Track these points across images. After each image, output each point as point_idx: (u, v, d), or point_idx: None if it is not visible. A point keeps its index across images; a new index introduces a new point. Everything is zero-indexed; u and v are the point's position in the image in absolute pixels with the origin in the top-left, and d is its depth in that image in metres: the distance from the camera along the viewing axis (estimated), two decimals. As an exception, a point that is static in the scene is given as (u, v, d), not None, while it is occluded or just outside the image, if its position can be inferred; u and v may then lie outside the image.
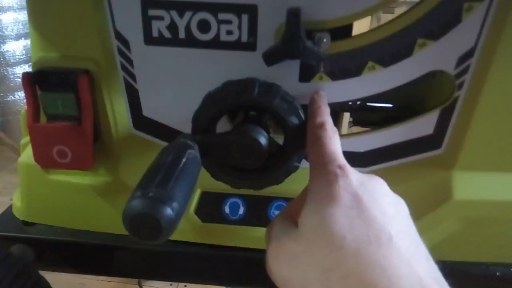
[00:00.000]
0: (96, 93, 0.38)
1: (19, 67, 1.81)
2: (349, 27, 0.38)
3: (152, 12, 0.36)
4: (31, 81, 0.36)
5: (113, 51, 0.38)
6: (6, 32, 1.73)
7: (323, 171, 0.27)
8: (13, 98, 1.84)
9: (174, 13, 0.36)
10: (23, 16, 1.75)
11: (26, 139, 0.44)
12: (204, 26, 0.36)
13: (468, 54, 0.35)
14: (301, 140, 0.33)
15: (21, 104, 1.87)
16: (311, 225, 0.25)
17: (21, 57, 1.81)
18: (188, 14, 0.36)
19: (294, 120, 0.34)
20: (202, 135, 0.33)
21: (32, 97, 0.37)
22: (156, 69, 0.38)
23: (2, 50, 1.75)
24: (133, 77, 0.39)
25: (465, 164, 0.38)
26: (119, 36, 0.37)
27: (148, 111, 0.40)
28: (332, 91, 0.37)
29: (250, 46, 0.37)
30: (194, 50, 0.37)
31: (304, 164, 0.35)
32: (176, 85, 0.38)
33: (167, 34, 0.37)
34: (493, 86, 0.36)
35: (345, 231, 0.23)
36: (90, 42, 0.37)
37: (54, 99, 0.37)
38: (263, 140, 0.33)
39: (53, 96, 0.37)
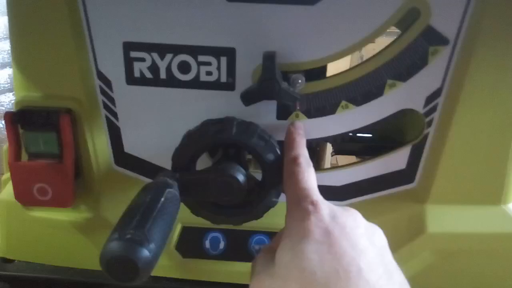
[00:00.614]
0: (78, 131, 0.39)
1: (3, 95, 1.80)
2: (323, 68, 0.40)
3: (134, 54, 0.37)
4: (13, 120, 0.37)
5: (95, 90, 0.39)
6: (-10, 61, 1.73)
7: (297, 208, 0.28)
8: None
9: (155, 55, 0.37)
10: (8, 45, 1.76)
11: (7, 175, 0.44)
12: (184, 67, 0.37)
13: (436, 94, 0.37)
14: (278, 176, 0.34)
15: (4, 133, 1.86)
16: (285, 261, 0.26)
17: (6, 85, 1.81)
18: (169, 56, 0.37)
19: (271, 157, 0.35)
20: (182, 173, 0.34)
21: (14, 136, 0.37)
22: (138, 108, 0.39)
23: (-13, 79, 1.74)
24: (114, 115, 0.40)
25: (437, 197, 0.40)
26: (101, 76, 0.38)
27: (129, 147, 0.41)
28: (308, 128, 0.39)
29: (229, 86, 0.38)
30: (174, 89, 0.38)
31: (283, 199, 0.36)
32: (157, 123, 0.39)
33: (148, 75, 0.38)
34: (460, 123, 0.37)
35: (315, 267, 0.24)
36: (73, 82, 0.38)
37: (36, 138, 0.38)
38: (241, 177, 0.34)
39: (35, 134, 0.38)
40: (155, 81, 0.38)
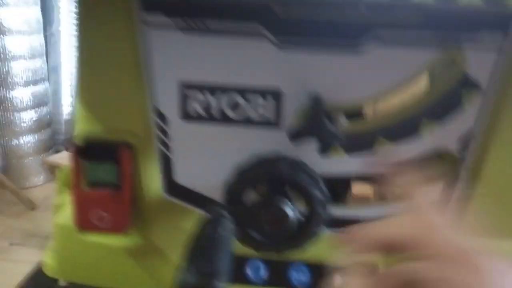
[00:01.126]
0: (133, 162, 0.42)
1: (25, 113, 1.86)
2: (362, 108, 0.43)
3: (189, 92, 0.40)
4: (77, 152, 0.40)
5: (151, 125, 0.42)
6: (15, 79, 1.79)
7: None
8: (17, 142, 1.87)
9: (208, 94, 0.40)
10: (33, 64, 1.82)
11: (59, 199, 0.47)
12: (235, 105, 0.41)
13: (469, 135, 0.40)
14: (323, 211, 0.37)
15: (24, 149, 1.90)
16: None
17: (28, 103, 1.86)
18: (221, 95, 0.40)
19: (317, 193, 0.37)
20: (234, 206, 0.37)
21: (77, 167, 0.40)
22: (190, 142, 0.42)
23: (11, 96, 1.80)
24: (168, 148, 0.43)
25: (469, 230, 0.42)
26: (158, 112, 0.41)
27: (180, 178, 0.44)
28: (346, 164, 0.42)
29: (275, 123, 0.41)
30: (225, 126, 0.41)
31: (323, 231, 0.38)
32: (207, 156, 0.42)
33: (201, 112, 0.41)
34: (493, 163, 0.40)
35: None
36: (132, 117, 0.41)
37: (97, 168, 0.41)
38: (290, 211, 0.36)
39: (96, 165, 0.41)
40: (208, 118, 0.41)
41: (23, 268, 1.43)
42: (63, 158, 1.54)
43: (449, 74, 0.38)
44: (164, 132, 0.42)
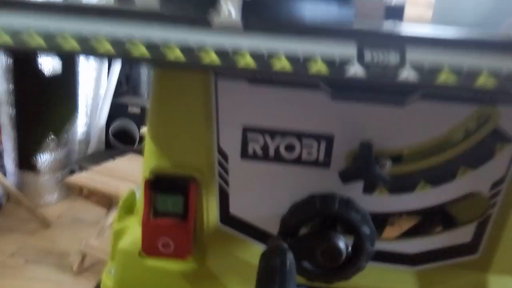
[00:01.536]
0: (197, 195, 0.46)
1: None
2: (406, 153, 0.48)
3: (250, 135, 0.45)
4: (149, 184, 0.45)
5: (214, 162, 0.47)
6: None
7: None
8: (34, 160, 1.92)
9: (267, 137, 0.45)
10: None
11: (120, 225, 0.52)
12: (290, 147, 0.45)
13: (500, 181, 0.45)
14: (370, 246, 0.41)
15: (41, 167, 1.94)
16: None
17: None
18: (278, 138, 0.45)
19: (366, 229, 0.42)
20: (292, 239, 0.41)
21: (148, 197, 0.45)
22: (247, 178, 0.47)
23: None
24: (227, 183, 0.47)
25: (499, 268, 0.46)
26: (221, 151, 0.46)
27: (235, 210, 0.48)
28: (388, 202, 0.46)
29: (325, 164, 0.46)
30: (280, 165, 0.46)
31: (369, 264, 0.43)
32: (262, 191, 0.47)
33: (259, 152, 0.46)
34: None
35: None
36: (198, 155, 0.46)
37: (165, 200, 0.45)
38: (342, 245, 0.41)
39: (165, 197, 0.45)
40: (265, 158, 0.46)
41: (38, 286, 1.45)
42: (81, 177, 1.58)
43: (483, 127, 0.43)
44: (225, 169, 0.47)
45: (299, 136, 0.45)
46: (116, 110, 2.47)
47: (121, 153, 1.94)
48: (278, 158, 0.46)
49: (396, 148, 0.44)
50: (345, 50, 0.25)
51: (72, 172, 2.23)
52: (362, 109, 0.44)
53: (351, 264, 0.42)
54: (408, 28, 0.33)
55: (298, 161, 0.46)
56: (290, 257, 0.37)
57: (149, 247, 0.46)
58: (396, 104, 0.43)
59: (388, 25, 0.33)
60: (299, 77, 0.25)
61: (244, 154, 0.46)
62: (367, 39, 0.25)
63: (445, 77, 0.24)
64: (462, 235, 0.47)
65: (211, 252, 0.48)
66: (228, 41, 0.25)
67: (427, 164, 0.45)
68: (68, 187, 1.72)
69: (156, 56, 0.25)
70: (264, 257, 0.38)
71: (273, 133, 0.45)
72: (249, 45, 0.25)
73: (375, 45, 0.25)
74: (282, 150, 0.46)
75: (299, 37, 0.25)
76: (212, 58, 0.25)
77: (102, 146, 2.35)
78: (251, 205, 0.48)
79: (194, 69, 0.30)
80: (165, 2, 0.32)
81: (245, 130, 0.45)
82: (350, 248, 0.42)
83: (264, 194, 0.47)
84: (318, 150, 0.45)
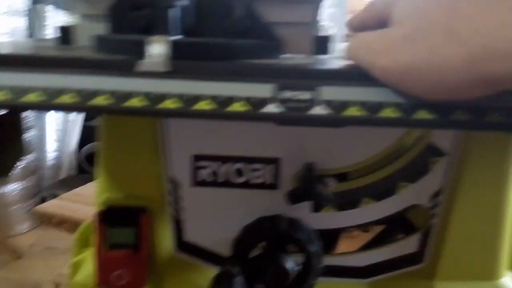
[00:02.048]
0: (150, 225, 0.47)
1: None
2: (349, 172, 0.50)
3: (199, 163, 0.47)
4: (100, 217, 0.45)
5: (165, 191, 0.48)
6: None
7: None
8: (3, 190, 1.88)
9: (216, 164, 0.47)
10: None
11: (78, 258, 0.52)
12: (239, 172, 0.47)
13: (438, 193, 0.47)
14: (318, 263, 0.43)
15: (10, 197, 1.90)
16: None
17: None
18: (227, 164, 0.47)
19: (312, 248, 0.44)
20: (242, 262, 0.43)
21: (101, 232, 0.45)
22: (200, 204, 0.48)
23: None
24: (180, 211, 0.48)
25: (444, 275, 0.49)
26: (172, 180, 0.47)
27: (189, 236, 0.49)
28: (336, 219, 0.48)
29: (274, 187, 0.47)
30: (230, 190, 0.47)
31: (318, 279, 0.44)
32: (215, 216, 0.48)
33: (209, 178, 0.47)
34: (459, 215, 0.47)
35: None
36: (149, 185, 0.47)
37: (118, 232, 0.46)
38: (289, 265, 0.42)
39: (117, 229, 0.46)
40: (215, 183, 0.47)
41: (11, 320, 1.41)
42: (51, 206, 1.56)
43: (418, 143, 0.46)
44: (177, 197, 0.48)
45: (247, 160, 0.47)
46: (88, 134, 2.44)
47: (94, 177, 1.92)
48: (228, 183, 0.47)
49: (339, 167, 0.47)
50: (263, 90, 0.27)
51: (43, 199, 2.19)
52: (304, 132, 0.46)
53: (300, 282, 0.44)
54: (329, 61, 0.35)
55: (247, 184, 0.47)
56: (238, 281, 0.39)
57: (104, 280, 0.46)
58: (334, 126, 0.45)
59: (309, 60, 0.35)
60: (219, 118, 0.27)
61: (195, 181, 0.47)
62: (283, 80, 0.27)
63: (353, 111, 0.26)
64: (408, 245, 0.50)
65: (167, 280, 0.49)
66: (152, 86, 0.27)
67: (369, 181, 0.47)
68: (38, 216, 1.69)
69: (79, 103, 0.26)
70: (212, 284, 0.39)
71: (222, 159, 0.47)
72: (172, 89, 0.27)
73: (290, 86, 0.27)
74: (231, 175, 0.47)
75: (220, 79, 0.27)
76: (135, 103, 0.26)
77: (74, 171, 2.32)
78: (205, 231, 0.49)
79: (118, 114, 0.32)
80: (98, 45, 0.34)
81: (195, 158, 0.47)
82: (300, 267, 0.44)
83: (217, 218, 0.48)
84: (266, 173, 0.47)
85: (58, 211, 1.47)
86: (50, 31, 2.00)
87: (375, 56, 0.25)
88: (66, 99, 0.26)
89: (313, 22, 0.37)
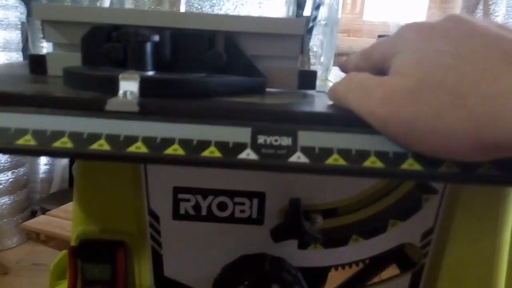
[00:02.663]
0: (127, 260, 0.45)
1: (2, 174, 1.84)
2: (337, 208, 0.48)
3: (181, 195, 0.45)
4: (74, 252, 0.43)
5: (145, 224, 0.45)
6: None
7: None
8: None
9: (199, 197, 0.45)
10: None
11: (52, 292, 0.49)
12: (222, 206, 0.45)
13: (429, 231, 0.45)
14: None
15: (-1, 210, 1.87)
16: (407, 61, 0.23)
17: (6, 164, 1.85)
18: (210, 198, 0.45)
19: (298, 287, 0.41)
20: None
21: (73, 267, 0.43)
22: (181, 239, 0.46)
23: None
24: (159, 245, 0.46)
25: (435, 318, 0.46)
26: (151, 213, 0.45)
27: (170, 272, 0.47)
28: (323, 257, 0.46)
29: (259, 221, 0.45)
30: (212, 224, 0.45)
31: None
32: (196, 252, 0.46)
33: (191, 212, 0.45)
34: (452, 253, 0.45)
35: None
36: (128, 218, 0.45)
37: (93, 268, 0.44)
38: (273, 308, 0.40)
39: (92, 265, 0.44)
40: (197, 217, 0.45)
41: None
42: (38, 222, 1.52)
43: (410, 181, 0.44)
44: (157, 230, 0.46)
45: (231, 194, 0.45)
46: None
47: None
48: (210, 217, 0.45)
49: (326, 203, 0.45)
50: (238, 134, 0.25)
51: (33, 213, 2.15)
52: (291, 166, 0.44)
53: (285, 325, 0.42)
54: (312, 101, 0.33)
55: (231, 219, 0.45)
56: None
57: (77, 318, 0.43)
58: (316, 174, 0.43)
59: (291, 99, 0.33)
60: (191, 165, 0.25)
61: (176, 214, 0.45)
62: (260, 123, 0.25)
63: (334, 159, 0.24)
64: (398, 285, 0.47)
65: (146, 317, 0.47)
66: (121, 127, 0.25)
67: (358, 218, 0.45)
68: (26, 233, 1.65)
69: (36, 147, 0.24)
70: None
71: (204, 193, 0.45)
72: (142, 131, 0.25)
73: (268, 130, 0.25)
74: (214, 209, 0.45)
75: (193, 122, 0.25)
76: (100, 147, 0.24)
77: (65, 185, 2.29)
78: (186, 267, 0.47)
79: (82, 159, 0.30)
80: (67, 79, 0.32)
81: (176, 191, 0.45)
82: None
83: (199, 254, 0.46)
84: (251, 208, 0.45)
85: (46, 227, 1.43)
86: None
87: (373, 102, 0.24)
88: (21, 141, 0.24)
89: (297, 56, 0.35)
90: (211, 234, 0.46)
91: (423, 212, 0.44)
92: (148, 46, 0.29)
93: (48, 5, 0.33)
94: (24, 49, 1.92)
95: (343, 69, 0.34)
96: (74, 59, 0.34)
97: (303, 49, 0.34)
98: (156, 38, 0.29)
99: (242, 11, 1.96)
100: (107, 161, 0.37)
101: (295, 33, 0.34)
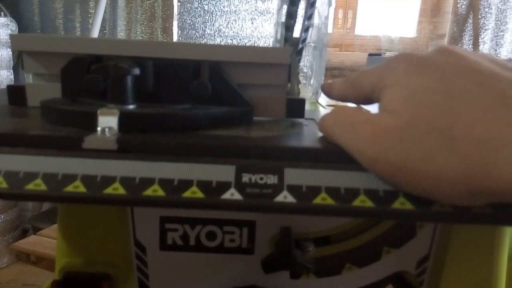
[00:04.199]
0: (113, 293, 0.43)
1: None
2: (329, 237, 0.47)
3: (168, 225, 0.43)
4: (57, 286, 0.41)
5: (131, 256, 0.44)
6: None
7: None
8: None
9: (187, 226, 0.43)
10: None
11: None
12: (211, 235, 0.43)
13: (425, 259, 0.44)
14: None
15: None
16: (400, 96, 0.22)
17: None
18: (198, 227, 0.43)
19: (289, 323, 0.40)
20: None
21: (57, 302, 0.41)
22: (168, 270, 0.44)
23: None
24: (146, 276, 0.44)
25: None
26: (138, 244, 0.44)
27: (157, 305, 0.45)
28: (317, 286, 0.44)
29: (249, 251, 0.44)
30: (201, 254, 0.44)
31: None
32: (185, 284, 0.44)
33: (179, 242, 0.44)
34: (448, 281, 0.44)
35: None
36: (113, 250, 0.43)
37: (77, 302, 0.42)
38: None
39: (76, 299, 0.42)
40: (185, 247, 0.44)
41: None
42: (28, 243, 1.49)
43: (403, 205, 0.43)
44: (143, 262, 0.44)
45: (220, 223, 0.43)
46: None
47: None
48: (199, 247, 0.44)
49: (318, 231, 0.43)
50: (222, 173, 0.24)
51: (24, 231, 2.11)
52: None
53: None
54: (300, 133, 0.32)
55: (220, 249, 0.44)
56: None
57: None
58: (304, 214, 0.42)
59: (278, 131, 0.32)
60: (171, 206, 0.24)
61: (163, 245, 0.44)
62: (245, 161, 0.24)
63: (322, 199, 0.23)
64: (394, 315, 0.46)
65: None
66: (98, 166, 0.24)
67: (351, 246, 0.44)
68: (16, 253, 1.62)
69: (7, 190, 0.22)
70: None
71: (192, 222, 0.43)
72: (120, 171, 0.24)
73: (253, 168, 0.24)
74: (203, 238, 0.44)
75: (175, 159, 0.24)
76: (75, 189, 0.23)
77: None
78: (174, 298, 0.45)
79: (56, 202, 0.29)
80: (44, 113, 0.30)
81: (163, 221, 0.43)
82: None
83: (187, 286, 0.45)
84: (241, 237, 0.44)
85: (36, 248, 1.41)
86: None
87: (361, 141, 0.23)
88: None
89: (285, 85, 0.34)
90: (200, 265, 0.44)
91: (418, 239, 0.43)
92: (129, 79, 0.28)
93: (27, 36, 0.32)
94: (15, 67, 1.91)
95: (327, 93, 0.33)
96: (54, 90, 0.33)
97: (290, 77, 0.33)
98: (137, 71, 0.28)
99: (235, 27, 1.96)
100: (83, 204, 0.36)
101: (281, 62, 0.33)
